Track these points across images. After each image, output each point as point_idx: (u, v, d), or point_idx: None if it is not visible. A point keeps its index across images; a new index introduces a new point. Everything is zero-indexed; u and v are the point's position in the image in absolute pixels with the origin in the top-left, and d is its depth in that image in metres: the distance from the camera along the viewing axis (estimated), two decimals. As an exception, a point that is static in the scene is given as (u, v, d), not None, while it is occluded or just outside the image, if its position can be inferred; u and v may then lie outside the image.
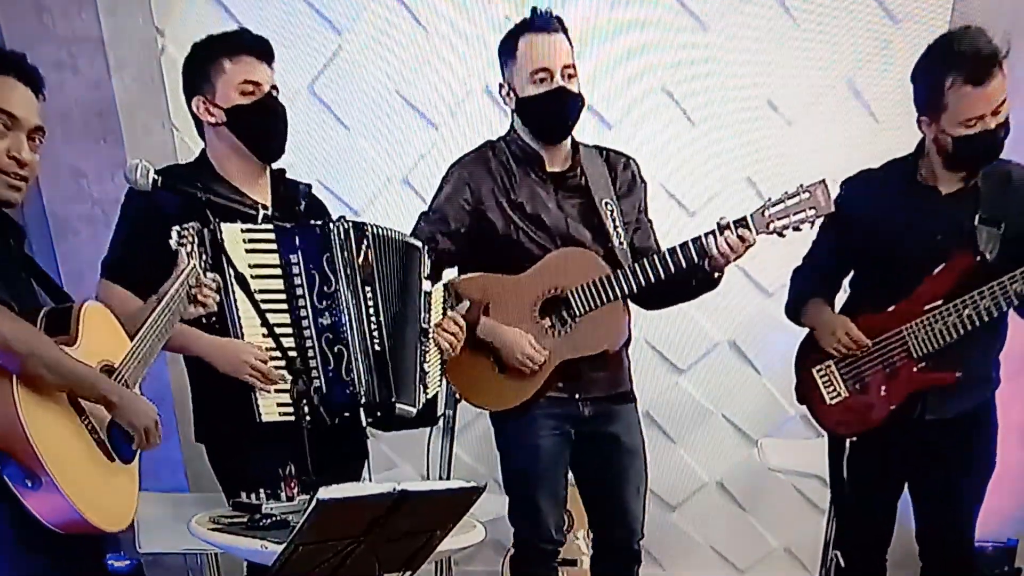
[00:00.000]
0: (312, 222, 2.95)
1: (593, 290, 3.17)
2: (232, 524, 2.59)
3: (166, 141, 4.18)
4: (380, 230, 3.00)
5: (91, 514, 2.19)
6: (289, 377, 2.77)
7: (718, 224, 3.09)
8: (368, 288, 2.95)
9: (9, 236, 2.45)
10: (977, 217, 3.10)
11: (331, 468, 2.72)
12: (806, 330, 3.43)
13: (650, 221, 3.42)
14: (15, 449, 2.10)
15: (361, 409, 2.93)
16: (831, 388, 3.32)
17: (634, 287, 3.16)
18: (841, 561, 3.44)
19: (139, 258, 2.83)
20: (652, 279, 3.14)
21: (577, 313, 3.19)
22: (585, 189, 3.27)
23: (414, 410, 3.02)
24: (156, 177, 2.70)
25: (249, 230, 2.82)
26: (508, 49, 3.23)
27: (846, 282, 3.47)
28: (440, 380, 3.14)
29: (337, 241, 2.91)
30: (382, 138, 4.52)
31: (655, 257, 3.14)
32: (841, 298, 3.47)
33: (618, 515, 3.37)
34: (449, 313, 3.12)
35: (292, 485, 2.65)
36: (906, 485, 3.38)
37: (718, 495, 4.72)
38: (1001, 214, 3.10)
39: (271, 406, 2.84)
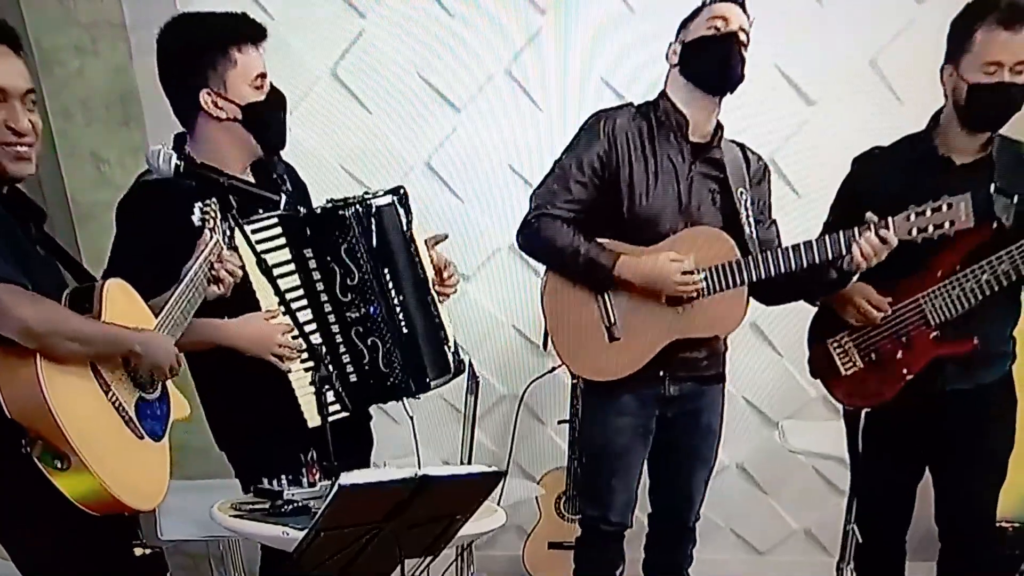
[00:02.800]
0: (320, 210, 2.86)
1: (720, 273, 3.09)
2: (254, 510, 2.59)
3: (189, 126, 4.15)
4: (377, 201, 2.89)
5: (122, 493, 2.17)
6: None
7: (859, 227, 3.01)
8: (386, 270, 2.89)
9: (29, 218, 2.41)
10: (993, 186, 3.05)
11: (341, 456, 2.68)
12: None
13: (774, 220, 3.33)
14: (42, 429, 2.09)
15: (406, 396, 2.92)
16: (846, 360, 3.28)
17: (762, 275, 3.07)
18: (859, 536, 3.38)
19: (136, 269, 2.67)
20: (783, 270, 3.06)
21: (703, 293, 3.12)
22: (722, 166, 3.19)
23: (447, 376, 3.01)
24: (178, 163, 2.63)
25: (256, 230, 2.75)
26: (691, 17, 3.16)
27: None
28: (451, 325, 3.07)
29: (352, 228, 2.84)
30: (405, 122, 4.48)
31: (791, 248, 3.05)
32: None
33: (682, 491, 3.35)
34: (435, 257, 3.04)
35: (314, 471, 2.64)
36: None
37: (739, 477, 4.70)
38: (1014, 189, 3.05)
39: (313, 410, 2.79)
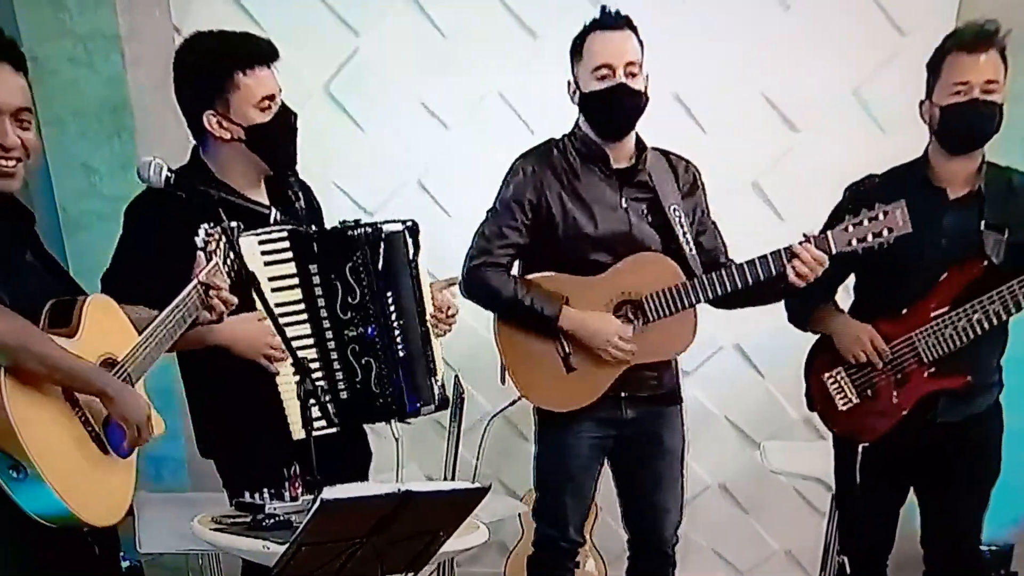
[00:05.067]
0: (331, 229, 2.86)
1: (668, 297, 3.09)
2: (234, 524, 2.52)
3: (181, 139, 4.01)
4: (386, 227, 2.88)
5: (78, 507, 2.11)
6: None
7: (800, 241, 3.02)
8: (389, 294, 2.87)
9: (17, 220, 2.34)
10: (983, 223, 3.05)
11: (338, 470, 2.63)
12: (812, 334, 3.35)
13: (714, 223, 3.33)
14: (1, 438, 2.03)
15: (394, 419, 2.90)
16: (842, 395, 3.24)
17: (710, 295, 3.09)
18: (848, 567, 3.36)
19: (137, 273, 2.68)
20: (728, 289, 3.07)
21: (650, 319, 3.10)
22: (650, 187, 3.19)
23: (433, 407, 2.98)
24: (169, 175, 2.58)
25: (265, 241, 2.72)
26: (576, 47, 3.16)
27: (850, 288, 3.40)
28: (441, 361, 3.04)
29: (360, 249, 2.82)
30: (397, 140, 4.44)
31: (733, 269, 3.07)
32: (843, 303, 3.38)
33: (652, 518, 3.31)
34: (439, 297, 3.01)
35: (296, 485, 2.56)
36: (911, 490, 3.32)
37: (720, 497, 4.65)
38: (1005, 220, 3.06)
39: (298, 424, 2.71)
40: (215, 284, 2.49)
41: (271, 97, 2.81)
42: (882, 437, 3.18)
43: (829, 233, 3.00)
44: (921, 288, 3.11)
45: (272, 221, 2.74)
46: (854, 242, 3.00)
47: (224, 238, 2.53)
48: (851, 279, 3.37)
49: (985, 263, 3.04)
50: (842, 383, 3.24)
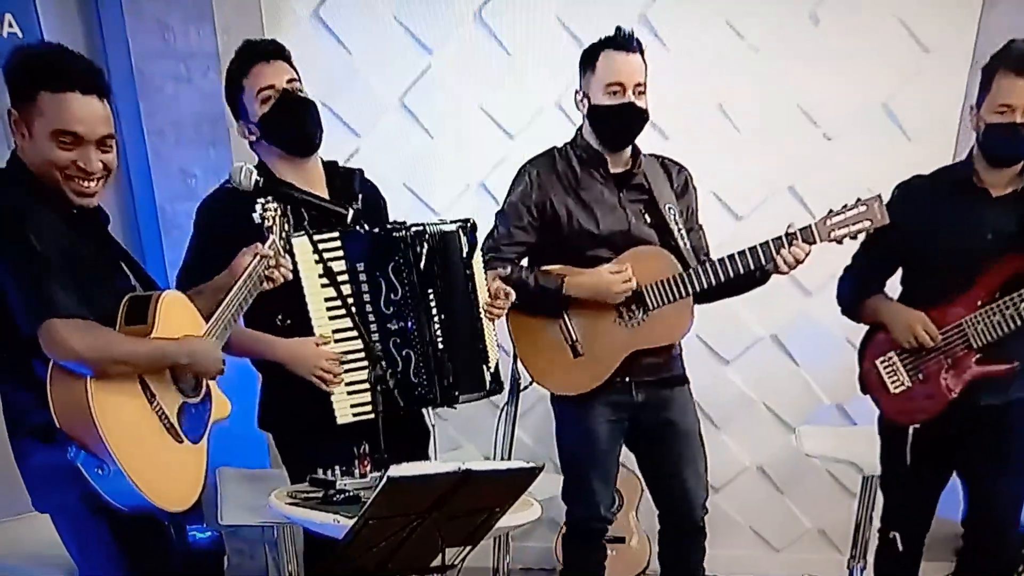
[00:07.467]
0: (376, 231, 2.80)
1: (667, 287, 3.06)
2: (308, 499, 2.52)
3: (271, 148, 4.12)
4: (434, 228, 2.84)
5: (155, 497, 2.17)
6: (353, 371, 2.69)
7: (786, 232, 3.00)
8: (431, 290, 2.83)
9: (101, 222, 2.38)
10: None
11: (399, 448, 2.61)
12: (843, 326, 3.30)
13: (700, 226, 3.30)
14: (87, 441, 2.09)
15: (429, 407, 2.87)
16: (895, 379, 3.16)
17: (705, 285, 3.05)
18: (900, 543, 3.26)
19: (208, 267, 2.63)
20: (722, 278, 3.04)
21: (650, 307, 3.07)
22: (647, 189, 3.16)
23: (477, 395, 2.95)
24: (259, 179, 2.60)
25: (317, 241, 2.68)
26: (589, 60, 3.12)
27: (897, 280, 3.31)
28: (496, 349, 3.01)
29: (402, 249, 2.78)
30: (463, 147, 4.42)
31: (726, 258, 3.04)
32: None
33: (679, 496, 3.25)
34: (494, 285, 2.97)
35: (365, 463, 2.56)
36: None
37: (758, 479, 4.57)
38: None
39: (345, 409, 2.74)
40: (279, 259, 2.51)
41: (268, 87, 2.76)
42: (930, 420, 3.10)
43: (813, 225, 3.00)
44: (967, 280, 3.03)
45: (350, 219, 2.70)
46: (835, 233, 2.99)
47: (279, 212, 2.52)
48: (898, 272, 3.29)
49: None
50: (895, 367, 3.16)
